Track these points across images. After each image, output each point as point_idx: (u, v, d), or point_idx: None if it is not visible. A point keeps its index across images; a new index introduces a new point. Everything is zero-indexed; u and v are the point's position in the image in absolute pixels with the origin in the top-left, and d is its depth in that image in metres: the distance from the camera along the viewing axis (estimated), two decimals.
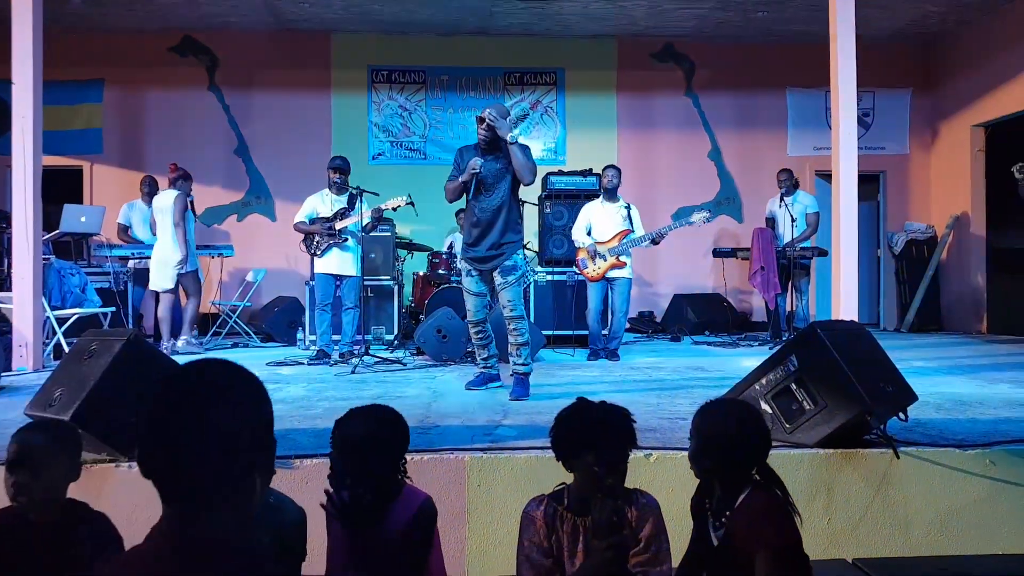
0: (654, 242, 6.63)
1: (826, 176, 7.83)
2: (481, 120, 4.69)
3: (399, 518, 2.10)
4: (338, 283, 6.53)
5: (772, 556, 1.94)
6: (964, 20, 9.08)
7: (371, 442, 2.09)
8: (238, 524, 1.09)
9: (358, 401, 4.48)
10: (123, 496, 2.94)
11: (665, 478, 3.07)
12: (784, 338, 7.20)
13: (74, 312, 6.47)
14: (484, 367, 4.99)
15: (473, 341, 5.03)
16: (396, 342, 7.30)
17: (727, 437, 2.07)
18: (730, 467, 2.08)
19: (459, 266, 4.97)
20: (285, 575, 2.05)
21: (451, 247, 8.23)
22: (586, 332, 6.83)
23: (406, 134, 9.69)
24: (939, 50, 9.84)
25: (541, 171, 8.37)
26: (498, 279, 4.75)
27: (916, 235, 9.69)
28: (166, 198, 7.03)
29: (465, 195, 4.87)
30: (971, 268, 9.34)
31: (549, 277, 7.54)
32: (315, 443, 3.37)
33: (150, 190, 8.05)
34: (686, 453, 2.20)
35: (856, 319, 5.82)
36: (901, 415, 3.26)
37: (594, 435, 2.05)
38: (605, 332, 6.71)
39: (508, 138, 4.61)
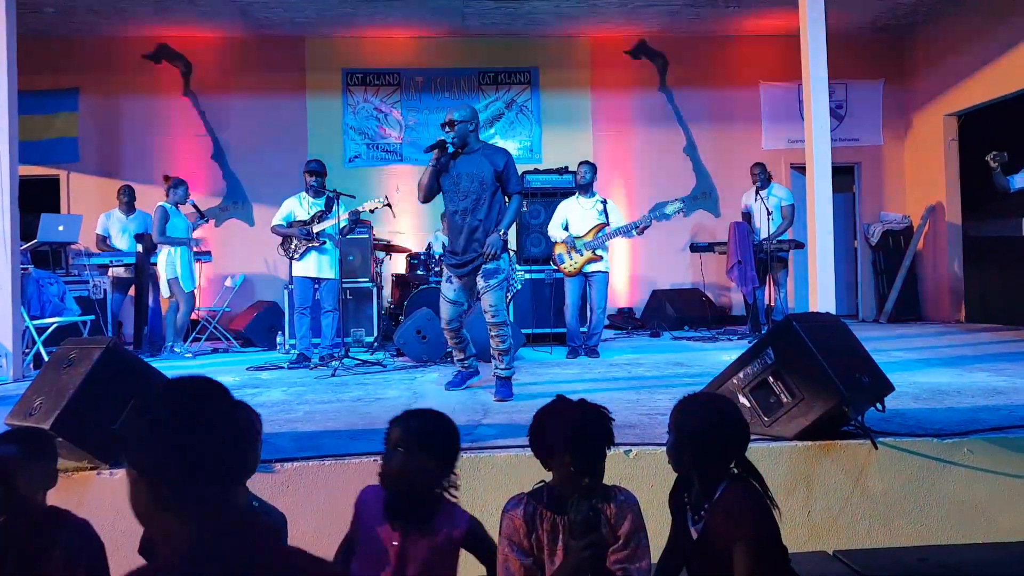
0: (639, 231, 6.59)
1: (801, 169, 7.87)
2: (450, 124, 4.62)
3: (446, 531, 2.10)
4: (317, 286, 6.51)
5: (749, 548, 1.95)
6: (934, 10, 9.17)
7: (440, 441, 2.12)
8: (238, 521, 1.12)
9: (339, 404, 4.50)
10: (105, 504, 2.93)
11: (645, 473, 3.08)
12: (763, 331, 7.24)
13: (53, 321, 6.43)
14: (463, 367, 4.98)
15: (451, 346, 4.99)
16: (376, 344, 7.27)
17: (705, 431, 2.09)
18: (708, 461, 2.09)
19: (444, 268, 4.91)
20: None
21: (430, 247, 8.21)
22: (564, 330, 6.85)
23: (382, 136, 9.67)
24: (910, 41, 9.94)
25: (517, 170, 8.38)
26: (480, 282, 4.68)
27: (892, 225, 9.79)
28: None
29: (444, 200, 4.81)
30: (948, 257, 9.44)
31: (527, 276, 7.55)
32: (295, 447, 3.36)
33: (128, 199, 7.99)
34: (665, 448, 2.21)
35: (834, 311, 5.86)
36: (879, 406, 3.30)
37: (571, 434, 2.04)
38: (584, 329, 6.72)
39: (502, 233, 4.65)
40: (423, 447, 2.08)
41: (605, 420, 2.08)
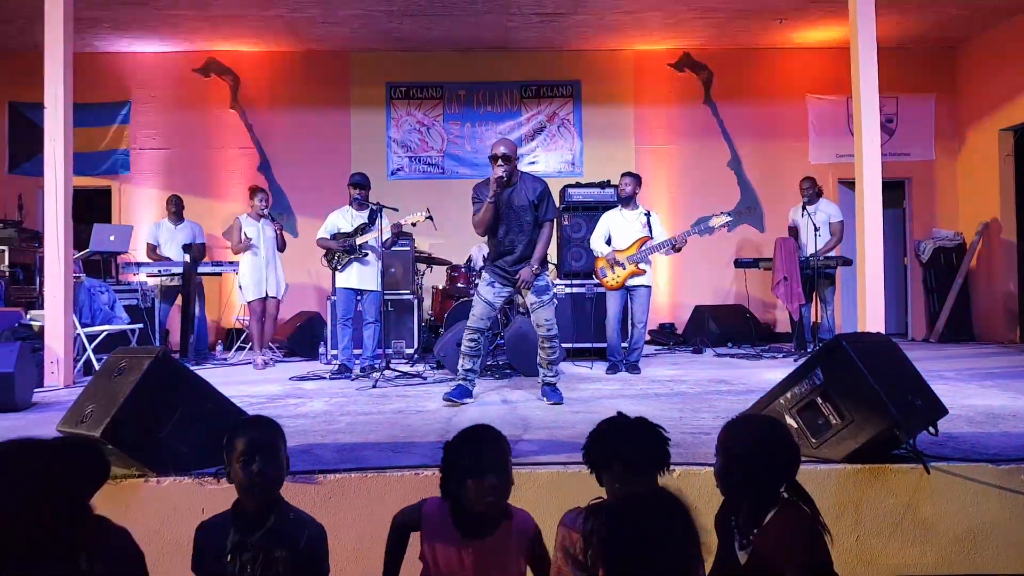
0: (675, 248, 6.52)
1: (850, 184, 7.75)
2: (504, 158, 4.76)
3: (516, 539, 2.15)
4: (359, 298, 6.57)
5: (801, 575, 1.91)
6: (988, 23, 8.95)
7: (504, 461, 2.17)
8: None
9: (380, 416, 4.52)
10: (151, 511, 2.99)
11: (689, 494, 2.96)
12: (809, 349, 7.10)
13: (103, 329, 6.57)
14: (464, 379, 5.00)
15: (465, 348, 5.00)
16: (416, 356, 7.30)
17: (755, 454, 2.04)
18: (758, 484, 2.05)
19: (485, 274, 5.05)
20: None
21: (470, 259, 8.22)
22: (604, 344, 6.79)
23: (424, 149, 9.74)
24: (963, 54, 9.72)
25: (559, 183, 8.41)
26: (532, 298, 4.93)
27: (944, 242, 9.53)
28: None
29: (491, 231, 4.98)
30: (1002, 275, 9.16)
31: (568, 289, 7.51)
32: (338, 458, 3.38)
33: (176, 209, 8.17)
34: (710, 469, 2.17)
35: (883, 330, 5.73)
36: (931, 429, 3.19)
37: (618, 451, 2.05)
38: (625, 344, 6.65)
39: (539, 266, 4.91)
40: (503, 467, 2.14)
41: (657, 439, 2.06)
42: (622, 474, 2.03)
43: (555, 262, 8.08)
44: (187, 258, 7.65)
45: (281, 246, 7.27)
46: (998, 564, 3.02)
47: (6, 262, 7.14)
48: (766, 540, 1.98)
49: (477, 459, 2.11)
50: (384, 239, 6.38)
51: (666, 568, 1.54)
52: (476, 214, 4.93)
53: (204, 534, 2.19)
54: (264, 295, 7.18)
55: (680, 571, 1.57)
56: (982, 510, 3.06)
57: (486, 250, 5.43)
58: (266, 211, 7.19)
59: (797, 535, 1.96)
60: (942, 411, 3.27)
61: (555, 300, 5.05)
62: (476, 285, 7.25)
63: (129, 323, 6.92)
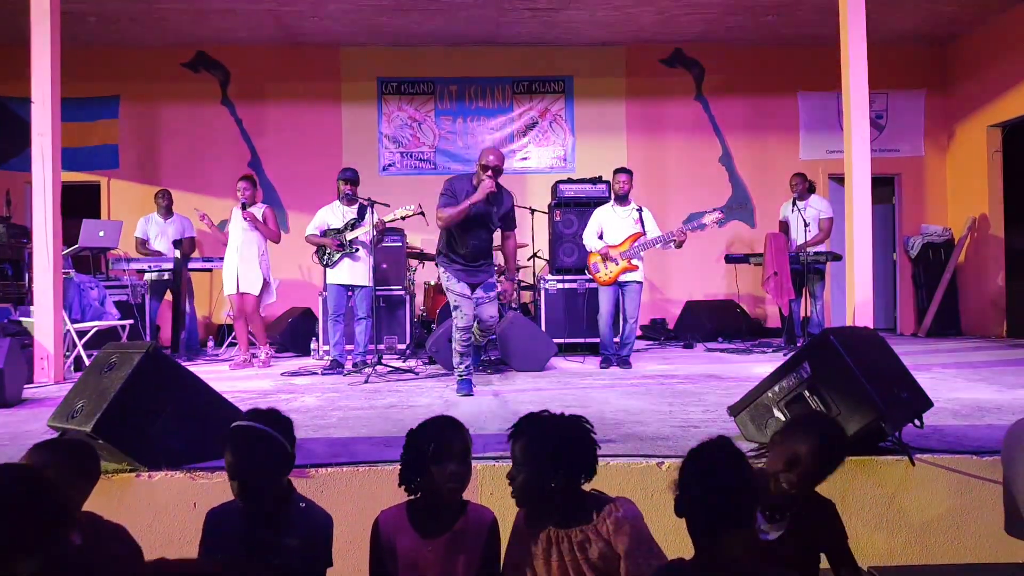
0: (677, 244, 6.43)
1: (840, 179, 7.79)
2: (496, 170, 4.98)
3: (473, 532, 2.17)
4: (350, 293, 6.57)
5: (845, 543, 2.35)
6: (978, 19, 9.01)
7: (466, 450, 2.19)
8: None
9: (372, 411, 4.54)
10: (143, 505, 3.00)
11: None
12: (798, 344, 7.15)
13: (93, 325, 6.56)
14: (467, 375, 5.20)
15: (460, 347, 5.19)
16: (408, 351, 7.31)
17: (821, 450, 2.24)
18: (821, 476, 2.30)
19: (449, 275, 5.22)
20: None
21: None
22: (597, 340, 6.82)
23: (415, 145, 9.74)
24: (953, 50, 9.78)
25: (551, 179, 8.45)
26: (480, 294, 5.21)
27: (933, 238, 9.60)
28: None
29: (454, 230, 5.15)
30: (990, 271, 9.24)
31: (560, 285, 7.53)
32: (330, 452, 3.39)
33: (166, 203, 8.14)
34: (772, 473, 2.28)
35: (872, 324, 5.78)
36: (917, 422, 3.23)
37: (531, 450, 2.09)
38: (617, 339, 6.68)
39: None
40: (464, 455, 2.17)
41: (583, 444, 2.09)
42: (532, 472, 2.05)
43: (547, 258, 8.11)
44: (178, 253, 7.63)
45: (274, 237, 6.84)
46: (981, 554, 3.06)
47: None
48: (804, 521, 2.25)
49: (441, 446, 2.12)
50: (372, 236, 6.37)
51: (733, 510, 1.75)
52: (445, 208, 5.06)
53: (214, 520, 2.20)
54: (234, 290, 6.74)
55: (745, 514, 1.77)
56: (966, 501, 3.10)
57: None
58: (243, 200, 6.71)
59: (830, 517, 2.33)
60: (928, 404, 3.31)
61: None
62: None
63: (119, 319, 6.91)
